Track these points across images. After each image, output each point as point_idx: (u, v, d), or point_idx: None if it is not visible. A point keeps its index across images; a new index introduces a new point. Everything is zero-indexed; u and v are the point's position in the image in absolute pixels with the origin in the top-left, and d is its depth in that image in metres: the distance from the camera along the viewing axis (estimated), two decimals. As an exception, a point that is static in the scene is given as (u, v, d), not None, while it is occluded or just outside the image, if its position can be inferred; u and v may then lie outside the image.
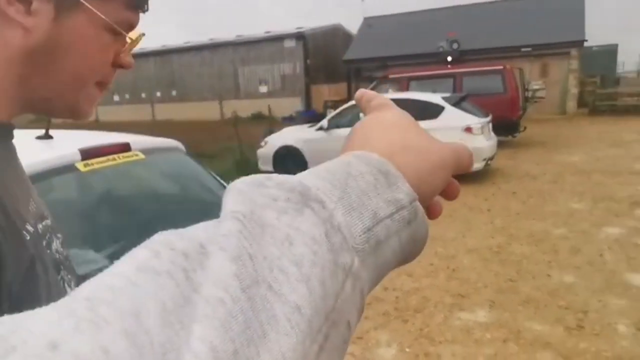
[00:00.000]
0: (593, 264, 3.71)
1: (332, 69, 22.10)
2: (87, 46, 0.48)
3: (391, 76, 11.52)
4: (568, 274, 3.53)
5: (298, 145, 8.09)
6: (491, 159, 7.25)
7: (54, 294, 0.46)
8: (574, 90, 16.45)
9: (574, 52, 16.24)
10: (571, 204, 5.48)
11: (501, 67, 10.17)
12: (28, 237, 0.45)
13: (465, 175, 3.72)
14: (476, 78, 10.48)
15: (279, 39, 22.35)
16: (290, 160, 8.19)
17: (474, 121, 6.84)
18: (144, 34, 0.55)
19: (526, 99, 10.52)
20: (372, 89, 7.71)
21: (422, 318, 2.99)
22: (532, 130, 12.68)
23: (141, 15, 0.53)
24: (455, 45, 17.79)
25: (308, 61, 22.45)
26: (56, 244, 0.54)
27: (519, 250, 4.06)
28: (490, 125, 7.61)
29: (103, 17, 0.47)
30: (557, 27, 16.58)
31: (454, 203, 4.54)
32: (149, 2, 0.52)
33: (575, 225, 4.68)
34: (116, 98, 29.42)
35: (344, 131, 7.27)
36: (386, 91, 10.92)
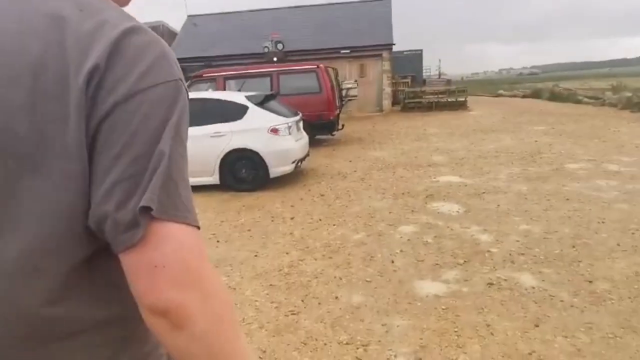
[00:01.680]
0: (384, 273, 3.37)
1: (154, 69, 20.07)
2: None
3: (205, 75, 10.53)
4: (357, 292, 3.09)
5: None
6: (302, 159, 6.88)
7: None
8: (387, 89, 17.81)
9: (385, 54, 17.56)
10: (374, 203, 5.32)
11: (315, 66, 10.07)
12: None
13: (274, 180, 5.91)
14: (292, 77, 10.21)
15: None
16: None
17: (280, 121, 6.33)
18: None
19: (341, 98, 10.68)
20: (189, 86, 6.47)
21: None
22: (352, 128, 13.15)
23: None
24: (280, 46, 17.67)
25: (124, 60, 19.95)
26: None
27: (311, 268, 3.54)
28: (301, 124, 7.25)
29: None
30: (370, 33, 17.75)
31: (257, 213, 3.25)
32: None
33: (374, 227, 4.43)
34: None
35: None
36: (206, 90, 9.94)
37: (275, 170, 6.28)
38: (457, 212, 4.81)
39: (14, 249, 0.51)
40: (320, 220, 4.77)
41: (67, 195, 0.52)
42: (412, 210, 4.92)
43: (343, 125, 11.26)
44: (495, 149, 8.47)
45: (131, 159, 0.51)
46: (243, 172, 6.31)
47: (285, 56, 17.56)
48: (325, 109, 9.99)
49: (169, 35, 22.32)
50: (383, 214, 4.84)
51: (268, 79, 10.17)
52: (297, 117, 6.96)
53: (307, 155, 7.30)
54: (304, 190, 6.19)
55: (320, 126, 10.12)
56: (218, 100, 6.58)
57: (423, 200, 5.32)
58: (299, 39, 17.98)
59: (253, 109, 6.33)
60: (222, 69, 11.02)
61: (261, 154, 6.18)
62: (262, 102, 6.54)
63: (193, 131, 6.67)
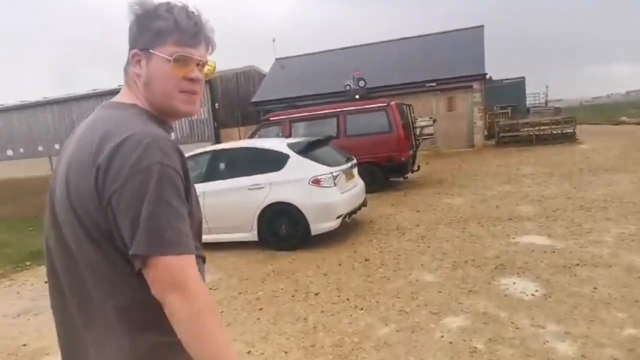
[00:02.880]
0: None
1: (244, 112, 20.95)
2: (162, 73, 0.99)
3: (272, 119, 10.34)
4: None
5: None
6: (353, 212, 6.02)
7: (197, 198, 1.05)
8: (479, 123, 16.18)
9: (476, 85, 16.07)
10: (424, 274, 4.24)
11: (385, 104, 9.26)
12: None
13: (319, 237, 5.61)
14: (360, 117, 9.50)
15: (214, 62, 20.90)
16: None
17: (323, 171, 5.60)
18: (206, 61, 1.05)
19: (415, 137, 9.66)
20: (254, 133, 5.95)
21: None
22: (435, 166, 11.94)
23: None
24: (362, 83, 17.22)
25: (216, 105, 21.18)
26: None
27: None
28: (355, 170, 6.45)
29: (166, 57, 0.98)
30: (458, 63, 16.48)
31: (283, 283, 4.53)
32: (194, 38, 1.00)
33: (410, 317, 3.38)
34: (9, 152, 26.49)
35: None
36: (277, 134, 9.71)
37: (317, 226, 5.51)
38: (533, 295, 3.55)
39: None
40: (347, 299, 3.85)
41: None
42: (470, 290, 3.76)
43: (419, 167, 10.16)
44: (604, 196, 6.72)
45: (128, 221, 0.88)
46: (282, 228, 5.66)
47: (368, 93, 17.03)
48: (396, 150, 9.06)
49: (259, 77, 23.32)
50: (430, 294, 3.76)
51: (335, 119, 9.60)
52: (348, 165, 6.17)
53: (363, 205, 6.43)
54: (348, 251, 5.31)
55: (391, 168, 9.19)
56: (258, 149, 6.11)
57: (489, 273, 4.11)
58: (381, 75, 17.37)
59: (294, 157, 5.71)
60: (289, 111, 10.75)
61: (301, 209, 5.49)
62: (307, 149, 5.90)
63: (231, 183, 6.21)
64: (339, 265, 4.82)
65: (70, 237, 0.95)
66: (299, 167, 5.65)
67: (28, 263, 6.43)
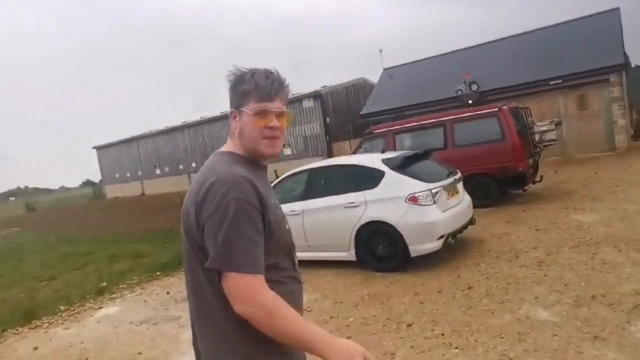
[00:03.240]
0: None
1: (355, 124, 21.11)
2: (249, 124, 1.29)
3: (376, 131, 10.14)
4: None
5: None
6: (458, 232, 5.52)
7: (282, 223, 1.32)
8: (621, 122, 13.87)
9: (614, 78, 13.85)
10: (536, 310, 3.64)
11: (495, 108, 8.45)
12: (273, 201, 1.30)
13: (421, 258, 5.28)
14: (469, 125, 8.81)
15: (297, 100, 21.92)
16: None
17: (420, 188, 5.23)
18: (283, 111, 1.33)
19: (534, 144, 8.58)
20: (358, 147, 6.73)
21: None
22: (564, 175, 10.54)
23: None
24: (474, 87, 16.11)
25: (328, 119, 21.71)
26: (279, 206, 1.37)
27: None
28: (460, 185, 5.94)
29: (249, 112, 1.28)
30: (589, 54, 14.40)
31: (376, 309, 4.33)
32: (272, 94, 1.30)
33: (515, 364, 2.89)
34: (157, 171, 30.53)
35: (288, 206, 5.93)
36: (381, 147, 9.54)
37: (417, 247, 5.15)
38: (687, 349, 2.78)
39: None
40: (442, 335, 3.47)
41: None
42: (596, 336, 3.10)
43: (541, 177, 9.03)
44: None
45: (212, 242, 1.16)
46: (380, 248, 5.42)
47: (482, 97, 15.88)
48: (511, 159, 8.18)
49: (369, 89, 23.36)
50: (541, 338, 3.19)
51: (441, 129, 9.05)
52: (450, 180, 5.69)
53: (471, 223, 5.88)
54: (451, 276, 4.85)
55: (507, 180, 8.31)
56: (353, 165, 5.97)
57: (625, 314, 3.36)
58: (496, 77, 16.06)
59: (389, 174, 5.45)
60: (392, 123, 10.44)
61: (397, 228, 5.20)
62: (403, 165, 5.59)
63: (328, 201, 6.16)
64: (439, 292, 4.41)
65: (186, 255, 1.29)
66: (395, 184, 5.37)
67: (158, 273, 7.17)
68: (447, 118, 9.10)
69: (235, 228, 1.13)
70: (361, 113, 19.71)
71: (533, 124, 8.55)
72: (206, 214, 1.17)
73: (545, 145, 8.54)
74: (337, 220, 5.69)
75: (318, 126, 21.64)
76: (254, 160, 1.34)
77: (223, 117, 25.78)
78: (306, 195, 6.10)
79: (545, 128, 8.30)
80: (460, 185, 5.98)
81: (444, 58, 19.82)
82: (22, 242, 14.56)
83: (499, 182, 8.38)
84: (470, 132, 8.75)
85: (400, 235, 5.19)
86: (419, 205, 5.18)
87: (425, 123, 9.42)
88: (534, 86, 15.00)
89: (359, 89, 23.78)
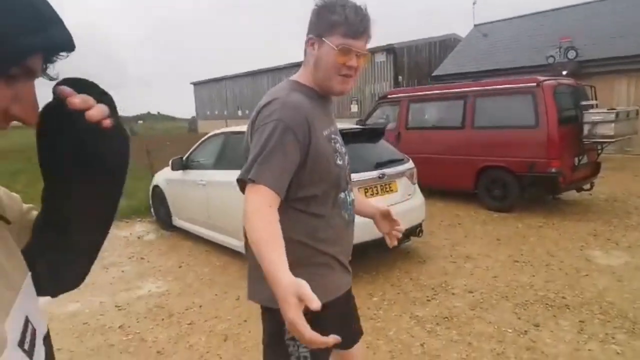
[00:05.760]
0: None
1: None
2: (328, 59, 1.25)
3: (390, 96, 8.34)
4: None
5: (162, 185, 6.14)
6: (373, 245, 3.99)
7: (331, 156, 1.30)
8: None
9: None
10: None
11: (534, 83, 6.18)
12: (325, 133, 1.31)
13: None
14: (497, 101, 6.67)
15: (370, 52, 19.94)
16: (157, 200, 6.39)
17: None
18: (365, 53, 1.27)
19: (581, 139, 6.12)
20: (370, 114, 5.36)
21: None
22: (628, 186, 7.79)
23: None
24: (571, 54, 12.80)
25: (400, 78, 19.50)
26: (334, 139, 1.35)
27: None
28: (403, 180, 4.32)
29: (333, 46, 1.23)
30: None
31: None
32: (359, 32, 1.24)
33: None
34: (239, 113, 31.11)
35: (198, 174, 5.14)
36: (391, 115, 7.89)
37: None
38: None
39: None
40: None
41: None
42: None
43: (592, 185, 6.64)
44: None
45: (253, 152, 1.19)
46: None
47: (580, 69, 12.61)
48: (542, 155, 6.04)
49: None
50: None
51: (461, 102, 7.03)
52: (376, 173, 4.08)
53: (408, 235, 4.30)
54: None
55: (532, 181, 6.20)
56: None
57: None
58: (601, 44, 12.55)
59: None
60: (410, 89, 8.51)
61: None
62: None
63: (231, 175, 5.03)
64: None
65: None
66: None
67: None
68: (470, 89, 7.01)
69: (266, 146, 1.16)
70: (433, 74, 17.23)
71: (585, 110, 6.10)
72: (254, 130, 1.24)
73: (595, 142, 6.08)
74: (232, 202, 4.52)
75: (388, 85, 19.56)
76: (320, 93, 1.34)
77: (299, 64, 24.81)
78: (216, 164, 4.99)
79: (598, 118, 5.84)
80: (403, 181, 4.34)
81: (540, 17, 16.13)
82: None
83: (522, 181, 6.30)
84: (497, 110, 6.62)
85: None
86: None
87: (444, 93, 7.40)
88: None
89: (447, 47, 20.77)
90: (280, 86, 1.33)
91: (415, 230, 4.38)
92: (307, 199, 1.24)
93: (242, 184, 1.17)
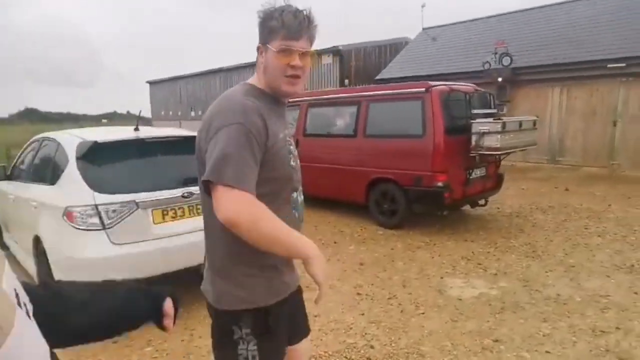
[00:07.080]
0: None
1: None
2: (273, 62, 1.30)
3: (290, 100, 7.69)
4: None
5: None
6: (176, 275, 3.28)
7: (286, 158, 1.34)
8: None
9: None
10: None
11: (422, 88, 5.62)
12: (281, 136, 1.32)
13: None
14: (388, 107, 6.09)
15: (314, 52, 19.32)
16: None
17: (80, 198, 3.04)
18: (307, 51, 1.32)
19: (469, 149, 5.60)
20: None
21: None
22: (574, 197, 7.36)
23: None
24: (506, 60, 12.47)
25: (346, 81, 18.96)
26: (288, 142, 1.38)
27: None
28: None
29: (273, 49, 1.29)
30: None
31: None
32: (298, 33, 1.28)
33: None
34: (192, 114, 29.99)
35: (27, 188, 4.01)
36: (293, 123, 7.23)
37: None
38: None
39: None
40: None
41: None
42: None
43: (486, 202, 6.13)
44: None
45: (210, 158, 1.19)
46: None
47: (514, 75, 12.33)
48: (427, 168, 5.47)
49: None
50: None
51: (355, 109, 6.42)
52: (179, 191, 3.39)
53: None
54: None
55: (418, 196, 5.63)
56: (54, 140, 3.84)
57: None
58: (535, 51, 12.29)
59: (72, 166, 3.26)
60: (312, 92, 7.88)
61: (48, 256, 3.14)
62: (108, 154, 3.36)
63: (24, 190, 3.45)
64: None
65: (199, 174, 1.33)
66: (68, 185, 3.23)
67: None
68: (363, 93, 6.42)
69: (231, 147, 1.17)
70: (376, 77, 16.77)
71: (473, 119, 5.56)
72: (212, 133, 1.22)
73: (482, 154, 5.53)
74: (21, 223, 3.75)
75: (333, 88, 19.01)
76: (273, 96, 1.37)
77: (252, 65, 24.03)
78: (22, 175, 4.19)
79: (484, 128, 5.31)
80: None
81: (481, 22, 15.88)
82: None
83: (408, 196, 5.72)
84: (388, 118, 6.04)
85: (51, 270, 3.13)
86: (74, 228, 3.02)
87: (339, 97, 6.79)
88: (586, 68, 11.12)
89: (398, 50, 20.41)
90: (237, 89, 1.36)
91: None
92: (261, 197, 1.22)
93: (208, 184, 1.19)
